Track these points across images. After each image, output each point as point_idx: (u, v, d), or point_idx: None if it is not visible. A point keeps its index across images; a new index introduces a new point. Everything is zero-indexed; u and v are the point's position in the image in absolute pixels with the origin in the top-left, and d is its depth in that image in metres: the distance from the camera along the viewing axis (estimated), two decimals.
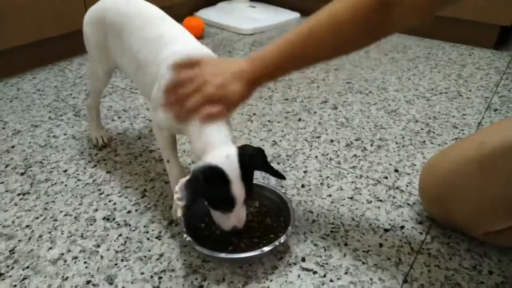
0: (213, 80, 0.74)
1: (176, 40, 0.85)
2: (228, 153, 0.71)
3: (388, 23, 0.70)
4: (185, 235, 0.79)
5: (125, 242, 0.86)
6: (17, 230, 0.89)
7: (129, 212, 0.94)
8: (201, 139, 0.75)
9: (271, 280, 0.77)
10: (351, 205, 0.96)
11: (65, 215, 0.93)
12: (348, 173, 1.06)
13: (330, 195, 0.99)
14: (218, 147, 0.73)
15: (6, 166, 1.09)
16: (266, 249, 0.77)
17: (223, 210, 0.74)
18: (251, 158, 0.73)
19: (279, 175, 0.81)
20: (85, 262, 0.81)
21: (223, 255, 0.77)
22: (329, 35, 0.72)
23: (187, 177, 0.71)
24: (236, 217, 0.75)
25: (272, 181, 1.01)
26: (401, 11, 0.67)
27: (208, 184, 0.70)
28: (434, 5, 0.67)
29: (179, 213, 0.70)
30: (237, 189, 0.71)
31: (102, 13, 0.96)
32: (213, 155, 0.72)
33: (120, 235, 0.87)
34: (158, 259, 0.82)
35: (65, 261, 0.81)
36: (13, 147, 1.17)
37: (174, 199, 0.90)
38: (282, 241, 0.78)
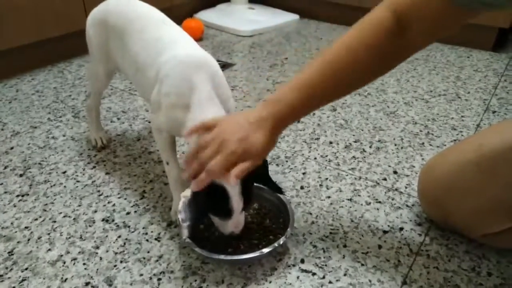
0: (232, 136, 0.69)
1: (175, 44, 0.85)
2: None
3: (406, 45, 0.69)
4: (184, 237, 0.78)
5: (124, 243, 0.86)
6: (16, 232, 0.89)
7: (128, 213, 0.93)
8: None
9: (270, 282, 0.77)
10: (350, 207, 0.96)
11: (64, 216, 0.93)
12: (347, 175, 1.06)
13: (329, 197, 0.99)
14: None
15: (5, 167, 1.09)
16: (265, 250, 0.77)
17: (222, 218, 0.76)
18: (252, 173, 0.71)
19: (277, 190, 0.83)
20: (84, 264, 0.81)
21: (222, 256, 0.77)
22: (349, 68, 0.70)
23: (188, 197, 0.72)
24: (234, 224, 0.76)
25: None
26: (417, 27, 0.66)
27: (210, 200, 0.72)
28: (447, 17, 0.65)
29: (185, 234, 0.72)
30: (236, 202, 0.73)
31: (104, 15, 0.97)
32: None
33: (119, 236, 0.87)
34: (157, 260, 0.82)
35: (64, 263, 0.81)
36: (12, 148, 1.17)
37: (173, 201, 0.91)
38: (281, 242, 0.78)
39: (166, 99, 0.79)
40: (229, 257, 0.77)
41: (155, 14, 0.93)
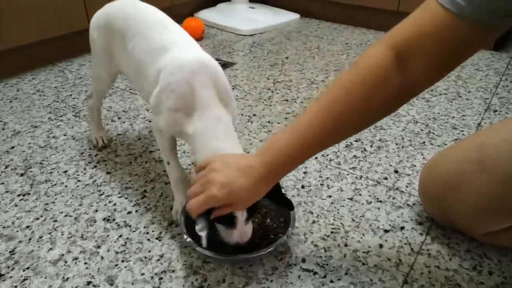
0: (217, 178, 0.68)
1: (177, 46, 0.84)
2: None
3: (407, 82, 0.63)
4: (185, 236, 0.79)
5: (126, 243, 0.86)
6: (17, 231, 0.89)
7: (129, 213, 0.94)
8: (204, 156, 0.76)
9: (271, 281, 0.77)
10: (351, 206, 0.96)
11: (65, 216, 0.93)
12: (348, 174, 1.06)
13: (330, 196, 0.99)
14: None
15: (6, 167, 1.09)
16: (267, 249, 0.77)
17: (227, 227, 0.75)
18: None
19: (288, 205, 0.81)
20: (85, 263, 0.81)
21: (224, 256, 0.77)
22: (347, 112, 0.65)
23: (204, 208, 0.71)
24: (239, 234, 0.75)
25: None
26: (419, 60, 0.61)
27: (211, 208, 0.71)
28: (456, 40, 0.59)
29: (205, 243, 0.70)
30: (240, 214, 0.72)
31: (108, 17, 0.96)
32: None
33: (120, 236, 0.87)
34: (158, 260, 0.82)
35: (66, 262, 0.81)
36: (13, 147, 1.17)
37: (174, 201, 0.91)
38: (282, 242, 0.78)
39: (167, 103, 0.79)
40: (230, 257, 0.77)
41: (159, 16, 0.92)
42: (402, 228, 0.90)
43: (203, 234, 0.70)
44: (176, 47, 0.84)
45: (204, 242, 0.70)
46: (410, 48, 0.61)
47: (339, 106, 0.65)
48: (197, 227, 0.70)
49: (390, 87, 0.63)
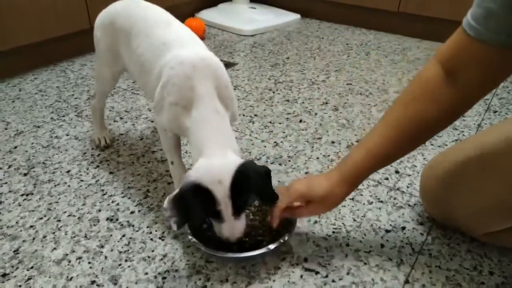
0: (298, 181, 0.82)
1: (179, 44, 0.85)
2: (220, 170, 0.71)
3: (462, 96, 0.68)
4: (189, 236, 0.79)
5: (129, 242, 0.86)
6: (21, 231, 0.89)
7: (132, 212, 0.94)
8: (197, 148, 0.76)
9: (274, 281, 0.78)
10: (353, 206, 0.96)
11: (68, 215, 0.93)
12: None
13: None
14: (213, 157, 0.73)
15: (9, 166, 1.10)
16: (271, 247, 0.77)
17: (216, 221, 0.75)
18: (246, 179, 0.71)
19: (270, 200, 0.80)
20: (89, 263, 0.82)
21: (229, 254, 0.77)
22: (409, 126, 0.72)
23: (174, 193, 0.71)
24: (228, 229, 0.74)
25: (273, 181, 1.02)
26: (465, 77, 0.66)
27: (195, 200, 0.70)
28: (494, 60, 0.63)
29: (174, 227, 0.70)
30: (224, 204, 0.71)
31: (113, 17, 0.97)
32: (205, 169, 0.72)
33: (123, 235, 0.88)
34: (161, 259, 0.82)
35: (69, 262, 0.82)
36: (15, 147, 1.17)
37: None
38: (286, 238, 0.78)
39: (168, 98, 0.80)
40: (236, 255, 0.77)
41: (163, 15, 0.93)
42: (403, 228, 0.90)
43: (172, 220, 0.69)
44: (178, 44, 0.85)
45: (174, 227, 0.70)
46: (454, 64, 0.67)
47: (400, 121, 0.72)
48: (166, 214, 0.70)
49: (444, 99, 0.69)
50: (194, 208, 0.71)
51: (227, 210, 0.71)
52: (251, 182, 0.72)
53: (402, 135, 0.73)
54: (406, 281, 0.78)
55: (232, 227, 0.74)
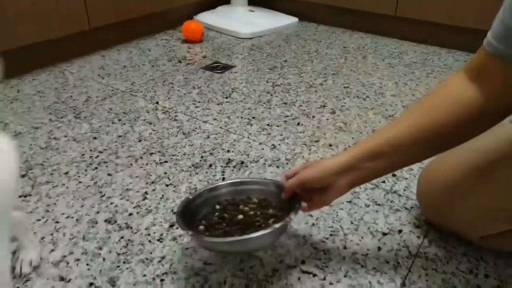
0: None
1: None
2: None
3: (487, 103, 0.65)
4: (188, 232, 0.73)
5: (127, 244, 0.86)
6: None
7: (130, 214, 0.94)
8: None
9: (272, 283, 0.78)
10: (350, 209, 0.97)
11: (67, 217, 0.94)
12: None
13: None
14: None
15: None
16: (277, 226, 0.71)
17: None
18: None
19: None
20: (87, 264, 0.82)
21: (234, 238, 0.72)
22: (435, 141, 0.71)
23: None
24: None
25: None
26: (489, 92, 0.65)
27: None
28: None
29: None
30: None
31: None
32: None
33: (122, 237, 0.88)
34: (160, 261, 0.83)
35: (68, 263, 0.82)
36: None
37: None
38: (292, 217, 0.73)
39: None
40: (243, 237, 0.71)
41: None
42: (400, 231, 0.91)
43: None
44: None
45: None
46: (478, 76, 0.66)
47: (425, 133, 0.69)
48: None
49: (471, 102, 0.66)
50: None
51: None
52: None
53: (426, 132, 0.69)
54: (403, 284, 0.79)
55: None
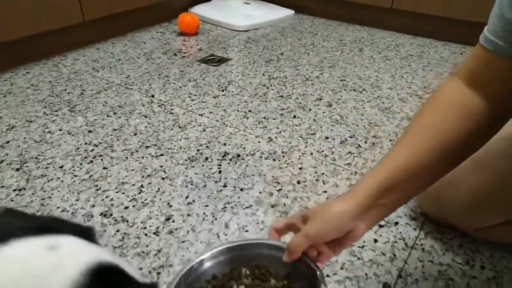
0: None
1: None
2: None
3: (490, 106, 0.62)
4: None
5: (123, 237, 0.86)
6: None
7: (126, 208, 0.94)
8: None
9: None
10: None
11: (62, 211, 0.93)
12: (343, 170, 1.08)
13: (325, 191, 1.00)
14: None
15: (1, 161, 1.09)
16: None
17: None
18: None
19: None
20: None
21: None
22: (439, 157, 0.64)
23: None
24: None
25: (267, 176, 1.02)
26: (493, 90, 0.61)
27: None
28: None
29: None
30: None
31: None
32: None
33: (117, 230, 0.88)
34: (156, 254, 0.82)
35: None
36: (7, 142, 1.16)
37: None
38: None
39: None
40: None
41: None
42: (396, 223, 0.91)
43: None
44: None
45: None
46: (477, 82, 0.63)
47: (429, 146, 0.63)
48: None
49: (476, 112, 0.63)
50: None
51: None
52: None
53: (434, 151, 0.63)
54: (399, 276, 0.79)
55: None
